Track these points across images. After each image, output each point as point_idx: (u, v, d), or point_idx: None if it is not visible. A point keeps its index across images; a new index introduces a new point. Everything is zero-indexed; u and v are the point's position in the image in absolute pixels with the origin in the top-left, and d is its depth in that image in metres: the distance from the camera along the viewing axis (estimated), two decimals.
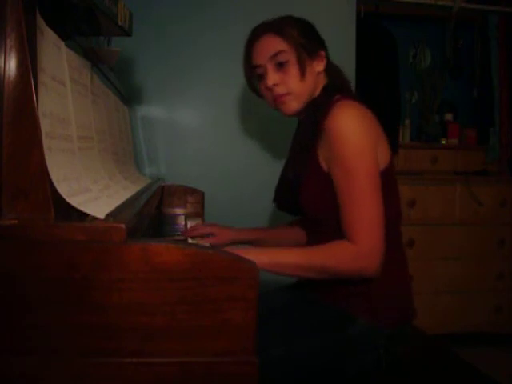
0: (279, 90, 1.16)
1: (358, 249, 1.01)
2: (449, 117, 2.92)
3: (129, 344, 0.69)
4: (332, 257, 1.03)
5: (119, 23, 1.05)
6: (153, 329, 0.69)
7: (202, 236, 1.41)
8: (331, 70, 1.21)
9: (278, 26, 1.16)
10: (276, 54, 1.15)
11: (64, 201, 0.70)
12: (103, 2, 0.94)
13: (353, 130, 1.04)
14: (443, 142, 2.87)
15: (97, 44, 1.20)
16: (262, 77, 1.19)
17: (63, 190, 0.71)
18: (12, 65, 0.69)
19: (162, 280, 0.69)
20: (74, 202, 0.72)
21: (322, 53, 1.19)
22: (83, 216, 0.72)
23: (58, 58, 0.82)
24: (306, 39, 1.16)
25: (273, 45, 1.15)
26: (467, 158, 2.76)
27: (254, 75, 1.22)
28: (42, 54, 0.73)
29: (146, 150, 2.05)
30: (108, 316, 0.68)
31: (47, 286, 0.66)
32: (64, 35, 0.84)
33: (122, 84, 1.65)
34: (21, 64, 0.69)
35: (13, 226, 0.65)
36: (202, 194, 1.80)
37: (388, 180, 1.10)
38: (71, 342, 0.67)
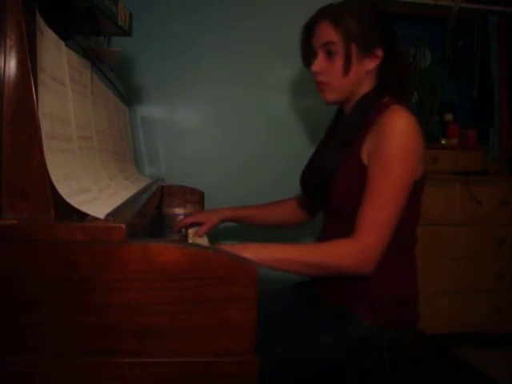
0: (321, 78, 1.18)
1: (359, 245, 1.02)
2: (449, 117, 2.92)
3: (128, 344, 0.69)
4: (332, 253, 1.03)
5: (119, 23, 1.05)
6: (153, 329, 0.69)
7: (192, 226, 1.47)
8: (387, 70, 1.17)
9: (338, 15, 1.13)
10: (326, 43, 1.15)
11: (64, 201, 0.70)
12: (103, 2, 0.94)
13: (405, 135, 1.05)
14: (443, 142, 2.87)
15: (97, 44, 1.20)
16: (314, 57, 1.19)
17: (63, 190, 0.71)
18: (12, 65, 0.69)
19: (162, 280, 0.69)
20: (74, 201, 0.72)
21: (379, 51, 1.15)
22: (83, 216, 0.72)
23: (58, 58, 0.82)
24: (363, 33, 1.13)
25: (326, 33, 1.15)
26: (467, 158, 2.76)
27: (309, 52, 1.23)
28: (41, 53, 0.73)
29: (145, 150, 2.05)
30: (108, 316, 0.68)
31: (47, 285, 0.66)
32: (64, 35, 0.84)
33: (122, 84, 1.65)
34: (21, 64, 0.69)
35: (13, 226, 0.65)
36: (202, 193, 1.80)
37: (419, 189, 1.11)
38: (71, 342, 0.67)
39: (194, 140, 2.07)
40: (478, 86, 2.97)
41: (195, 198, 1.80)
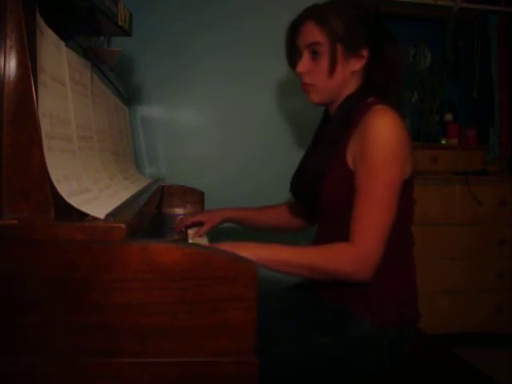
0: (305, 78, 1.17)
1: (355, 252, 1.02)
2: (449, 117, 2.92)
3: (128, 344, 0.69)
4: (329, 258, 1.03)
5: (119, 23, 1.05)
6: (153, 329, 0.69)
7: (193, 226, 1.47)
8: (373, 70, 1.16)
9: (323, 16, 1.13)
10: (312, 44, 1.14)
11: (64, 201, 0.70)
12: (103, 2, 0.94)
13: (389, 136, 1.04)
14: (443, 142, 2.87)
15: (97, 44, 1.20)
16: (299, 57, 1.18)
17: (63, 190, 0.71)
18: (12, 65, 0.69)
19: (162, 280, 0.69)
20: (74, 201, 0.72)
21: (364, 52, 1.14)
22: (83, 216, 0.72)
23: (58, 58, 0.82)
24: (349, 34, 1.12)
25: (311, 34, 1.14)
26: (467, 158, 2.75)
27: (294, 53, 1.22)
28: (41, 53, 0.74)
29: (145, 150, 2.05)
30: (108, 316, 0.68)
31: (47, 285, 0.66)
32: (64, 35, 0.84)
33: (122, 84, 1.65)
34: (21, 64, 0.69)
35: (13, 226, 0.65)
36: (202, 193, 1.80)
37: (408, 187, 1.11)
38: (71, 342, 0.67)
39: (194, 140, 2.07)
40: (478, 85, 2.97)
41: (195, 198, 1.80)
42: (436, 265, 2.56)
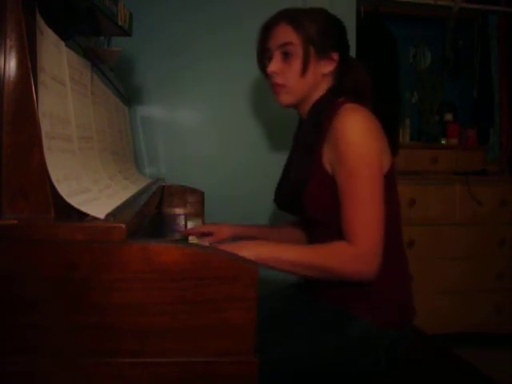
0: (277, 79, 1.18)
1: (357, 251, 1.01)
2: (449, 117, 2.92)
3: (128, 344, 0.69)
4: (332, 257, 1.03)
5: (119, 23, 1.05)
6: (153, 329, 0.69)
7: (201, 235, 1.43)
8: (342, 74, 1.19)
9: (297, 18, 1.15)
10: (284, 44, 1.15)
11: (64, 201, 0.70)
12: (103, 2, 0.94)
13: (359, 134, 1.04)
14: (443, 142, 2.87)
15: (97, 44, 1.20)
16: (269, 60, 1.19)
17: (63, 190, 0.71)
18: (12, 65, 0.69)
19: (162, 280, 0.69)
20: (74, 201, 0.72)
21: (335, 55, 1.17)
22: (83, 216, 0.72)
23: (58, 58, 0.82)
24: (321, 38, 1.14)
25: (284, 34, 1.16)
26: (467, 158, 2.76)
27: (264, 55, 1.23)
28: (41, 53, 0.74)
29: (145, 149, 2.05)
30: (108, 316, 0.68)
31: (47, 285, 0.66)
32: (64, 35, 0.84)
33: (122, 84, 1.65)
34: (21, 64, 0.70)
35: (13, 226, 0.65)
36: (202, 193, 1.80)
37: (389, 183, 1.10)
38: (71, 342, 0.67)
39: (194, 140, 2.07)
40: (478, 86, 2.97)
41: (195, 197, 1.80)
42: (436, 265, 2.56)
